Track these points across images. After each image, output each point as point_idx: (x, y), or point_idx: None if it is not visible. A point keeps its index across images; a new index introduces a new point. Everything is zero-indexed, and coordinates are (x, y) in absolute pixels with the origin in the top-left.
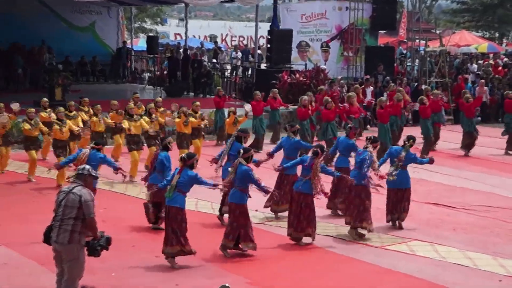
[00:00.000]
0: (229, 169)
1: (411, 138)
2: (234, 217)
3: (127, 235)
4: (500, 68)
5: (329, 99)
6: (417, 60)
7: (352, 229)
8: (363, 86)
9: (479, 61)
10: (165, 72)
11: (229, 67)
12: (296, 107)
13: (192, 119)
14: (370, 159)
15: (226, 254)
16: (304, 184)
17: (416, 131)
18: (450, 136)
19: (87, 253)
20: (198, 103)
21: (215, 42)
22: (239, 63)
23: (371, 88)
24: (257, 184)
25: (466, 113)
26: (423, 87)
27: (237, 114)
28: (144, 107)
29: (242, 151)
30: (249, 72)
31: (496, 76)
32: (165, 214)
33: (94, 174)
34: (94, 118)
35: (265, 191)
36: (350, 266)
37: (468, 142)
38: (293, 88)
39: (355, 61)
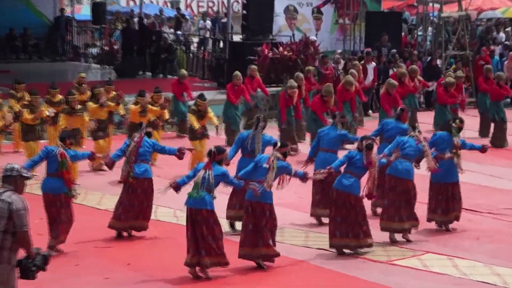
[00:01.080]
0: (265, 165)
1: (457, 119)
2: (266, 219)
3: (70, 251)
4: None
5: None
6: (430, 29)
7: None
8: (363, 62)
9: (507, 29)
10: (115, 47)
11: (195, 39)
12: (281, 91)
13: (150, 107)
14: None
15: (264, 266)
16: (354, 183)
17: (428, 118)
18: (468, 122)
19: (19, 275)
20: (160, 93)
21: (178, 9)
22: (208, 34)
23: (373, 64)
24: (303, 176)
25: (492, 96)
26: (438, 62)
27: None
28: (90, 92)
29: (278, 144)
30: (221, 46)
31: None
32: (190, 218)
33: (26, 175)
34: (26, 112)
35: (303, 177)
36: (349, 286)
37: (498, 134)
38: (276, 65)
39: (353, 30)
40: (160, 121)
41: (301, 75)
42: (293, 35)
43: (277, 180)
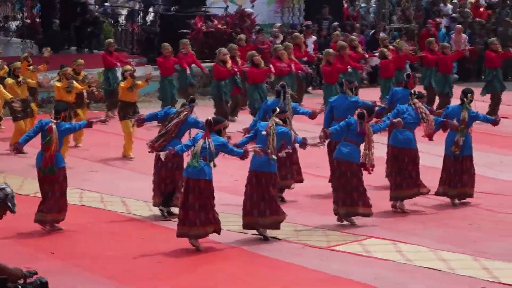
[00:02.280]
0: (263, 132)
1: (468, 92)
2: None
3: None
4: (482, 9)
5: (255, 53)
6: (373, 0)
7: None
8: (303, 35)
9: (455, 0)
10: (38, 20)
11: (124, 12)
12: (213, 63)
13: (76, 84)
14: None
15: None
16: (352, 150)
17: (374, 95)
18: None
19: None
20: (81, 61)
21: None
22: (137, 6)
23: (314, 37)
24: (305, 143)
25: (441, 68)
26: (381, 35)
27: (136, 76)
28: (7, 67)
29: (277, 110)
30: (151, 19)
31: (477, 19)
32: (187, 188)
33: (8, 205)
34: None
35: (303, 144)
36: (287, 274)
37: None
38: (210, 39)
39: (292, 2)
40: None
41: (234, 45)
42: (227, 7)
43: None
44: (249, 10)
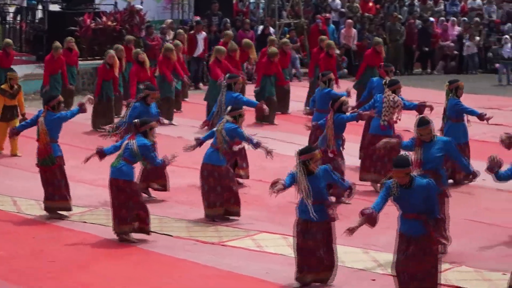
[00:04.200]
0: (216, 128)
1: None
2: (215, 180)
3: None
4: (370, 3)
5: (140, 51)
6: None
7: None
8: (192, 31)
9: None
10: None
11: (11, 9)
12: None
13: None
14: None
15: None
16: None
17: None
18: (303, 94)
19: None
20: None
21: None
22: (25, 3)
23: (204, 34)
24: (250, 140)
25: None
26: (271, 31)
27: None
28: None
29: (230, 108)
30: (40, 16)
31: (366, 14)
32: (110, 187)
33: None
34: None
35: (255, 144)
36: (179, 270)
37: None
38: (99, 37)
39: None
40: None
41: (121, 46)
42: (116, 3)
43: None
44: (138, 6)
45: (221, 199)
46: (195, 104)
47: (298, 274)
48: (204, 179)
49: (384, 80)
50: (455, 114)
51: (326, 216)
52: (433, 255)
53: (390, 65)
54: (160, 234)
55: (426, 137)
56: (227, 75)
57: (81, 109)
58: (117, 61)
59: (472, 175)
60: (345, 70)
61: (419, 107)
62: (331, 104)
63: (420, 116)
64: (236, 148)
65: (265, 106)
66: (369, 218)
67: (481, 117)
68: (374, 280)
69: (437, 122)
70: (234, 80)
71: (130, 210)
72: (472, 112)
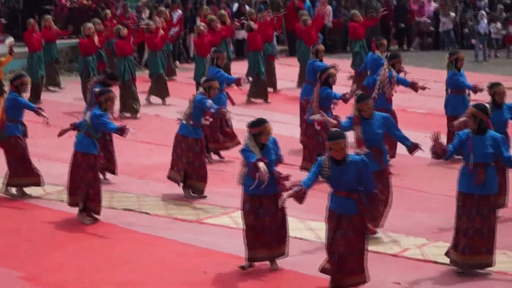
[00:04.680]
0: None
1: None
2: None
3: None
4: None
5: (121, 27)
6: None
7: None
8: (169, 9)
9: None
10: None
11: None
12: (79, 39)
13: None
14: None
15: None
16: None
17: (241, 68)
18: (285, 72)
19: None
20: None
21: None
22: None
23: (179, 11)
24: (212, 108)
25: (305, 41)
26: (247, 8)
27: None
28: None
29: (203, 79)
30: None
31: None
32: (71, 158)
33: None
34: None
35: (216, 110)
36: (159, 248)
37: None
38: (75, 15)
39: None
40: None
41: (98, 20)
42: None
43: None
44: None
45: (184, 169)
46: (179, 83)
47: (250, 253)
48: (174, 148)
49: (385, 55)
50: (454, 86)
51: (277, 188)
52: (362, 234)
53: (381, 38)
54: (138, 212)
55: (367, 112)
56: (212, 50)
57: (37, 112)
58: (95, 32)
59: (413, 147)
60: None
61: (412, 85)
62: (319, 76)
63: (358, 92)
64: (205, 121)
65: (242, 81)
66: (297, 195)
67: (474, 90)
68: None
69: (419, 100)
70: (217, 55)
71: (81, 184)
72: (466, 86)
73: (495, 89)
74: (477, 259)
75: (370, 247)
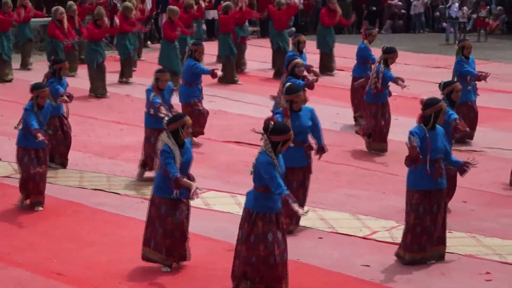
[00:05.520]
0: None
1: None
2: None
3: None
4: None
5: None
6: None
7: None
8: None
9: None
10: None
11: None
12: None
13: None
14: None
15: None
16: None
17: (212, 49)
18: (257, 53)
19: None
20: None
21: None
22: None
23: None
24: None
25: (276, 24)
26: None
27: None
28: None
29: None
30: None
31: None
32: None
33: None
34: None
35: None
36: (128, 228)
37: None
38: None
39: None
40: None
41: (74, 6)
42: None
43: None
44: None
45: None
46: (150, 64)
47: (167, 260)
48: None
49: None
50: (459, 73)
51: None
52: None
53: (372, 28)
54: (108, 192)
55: (298, 104)
56: (192, 42)
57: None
58: (65, 18)
59: (320, 150)
60: (293, 29)
61: (395, 80)
62: (286, 66)
63: (289, 84)
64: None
65: (216, 71)
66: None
67: (477, 78)
68: (321, 238)
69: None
70: (195, 48)
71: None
72: (469, 73)
73: (451, 87)
74: (442, 250)
75: (341, 230)
